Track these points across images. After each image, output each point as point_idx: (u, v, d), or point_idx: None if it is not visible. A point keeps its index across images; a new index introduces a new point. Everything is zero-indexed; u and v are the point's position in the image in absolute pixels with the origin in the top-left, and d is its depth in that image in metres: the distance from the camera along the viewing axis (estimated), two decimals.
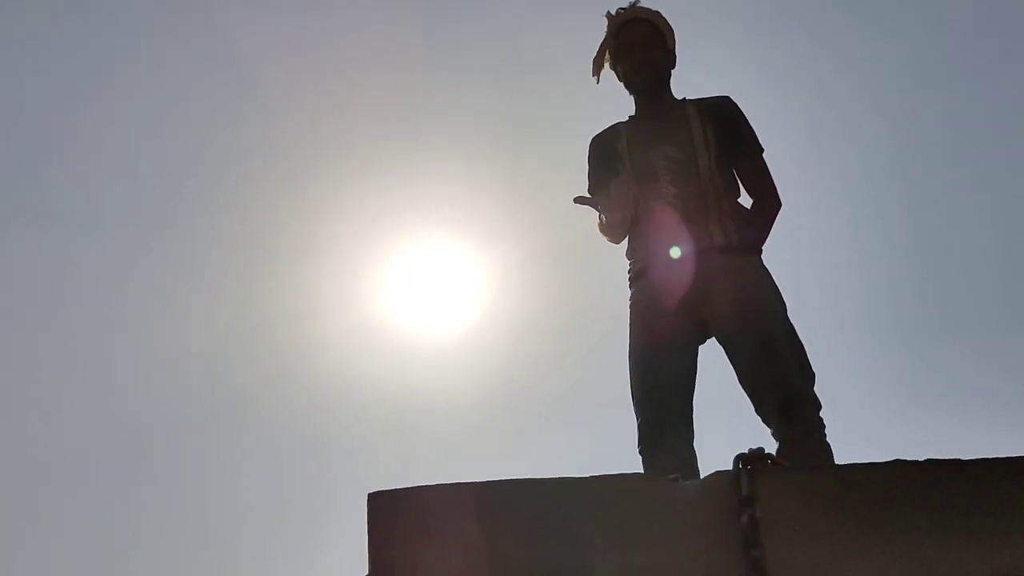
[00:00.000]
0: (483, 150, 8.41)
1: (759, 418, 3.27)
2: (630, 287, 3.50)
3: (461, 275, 8.29)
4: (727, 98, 3.62)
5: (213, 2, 8.45)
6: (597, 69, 3.74)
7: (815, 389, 3.27)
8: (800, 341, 3.31)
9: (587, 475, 1.82)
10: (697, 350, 3.36)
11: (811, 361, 3.33)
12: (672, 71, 3.68)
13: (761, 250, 3.47)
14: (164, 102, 8.98)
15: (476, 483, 1.74)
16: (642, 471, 3.19)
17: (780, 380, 3.20)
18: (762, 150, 3.58)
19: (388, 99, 8.60)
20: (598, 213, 3.54)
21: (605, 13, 3.77)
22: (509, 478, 1.75)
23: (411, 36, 8.53)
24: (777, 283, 3.41)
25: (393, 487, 1.81)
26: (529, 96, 8.35)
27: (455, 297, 8.25)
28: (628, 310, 3.47)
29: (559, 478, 1.78)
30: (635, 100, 3.68)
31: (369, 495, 1.76)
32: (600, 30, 3.77)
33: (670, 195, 3.43)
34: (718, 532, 1.75)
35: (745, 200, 3.58)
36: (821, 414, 3.23)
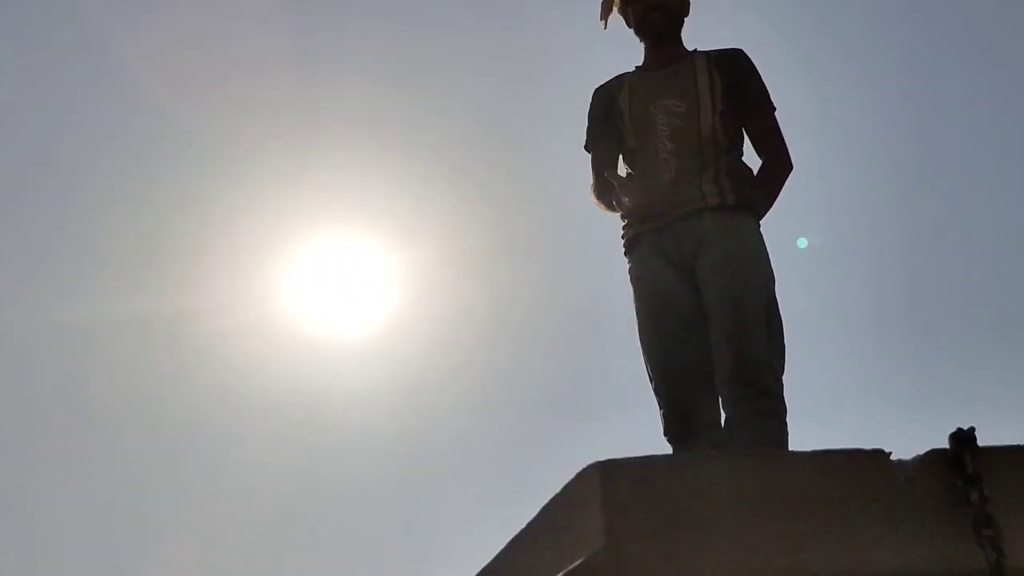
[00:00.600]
0: (393, 149, 8.29)
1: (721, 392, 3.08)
2: (626, 256, 3.37)
3: (369, 274, 8.14)
4: (740, 51, 3.45)
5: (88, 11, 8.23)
6: (606, 12, 3.55)
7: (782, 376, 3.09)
8: (779, 317, 3.17)
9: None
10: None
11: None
12: (686, 18, 3.52)
13: (760, 212, 3.32)
14: (51, 110, 8.67)
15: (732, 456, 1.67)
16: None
17: (741, 345, 3.04)
18: (773, 108, 3.42)
19: (295, 94, 8.41)
20: (593, 179, 3.44)
21: None
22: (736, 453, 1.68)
23: (306, 30, 8.37)
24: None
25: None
26: (443, 93, 8.27)
27: (362, 296, 8.09)
28: (629, 284, 3.33)
29: (783, 452, 1.72)
30: (644, 48, 3.51)
31: (602, 465, 1.66)
32: None
33: (665, 151, 3.28)
34: (944, 511, 1.72)
35: (754, 161, 3.44)
36: (783, 393, 3.05)
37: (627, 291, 3.34)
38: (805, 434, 2.96)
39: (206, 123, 8.26)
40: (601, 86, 3.56)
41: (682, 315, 3.18)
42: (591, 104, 3.56)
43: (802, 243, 3.18)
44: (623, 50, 3.61)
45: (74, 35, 8.47)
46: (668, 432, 3.16)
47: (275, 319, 8.11)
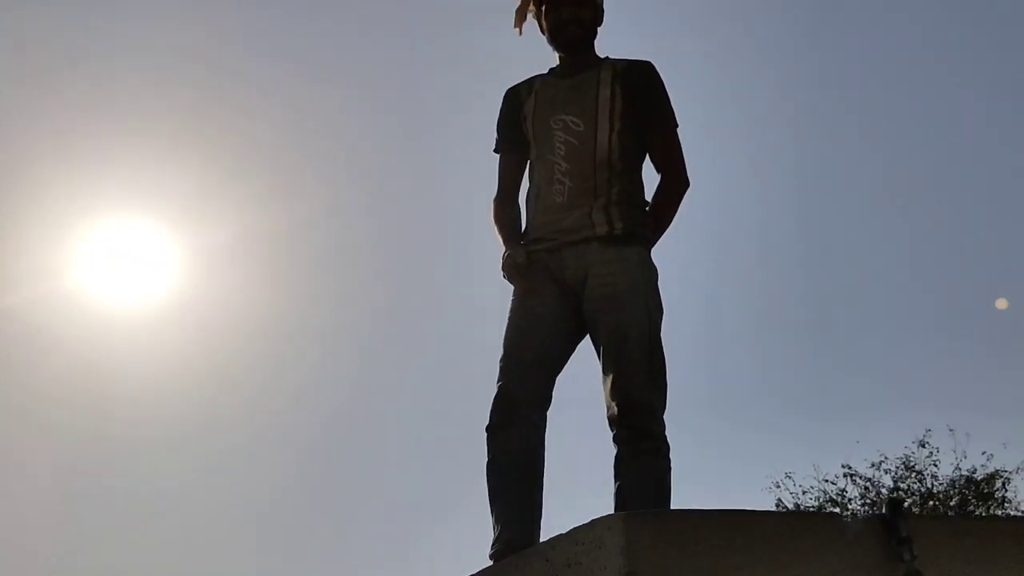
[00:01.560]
0: (187, 142, 8.23)
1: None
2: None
3: (155, 254, 8.06)
4: (647, 64, 3.43)
5: None
6: (519, 19, 3.53)
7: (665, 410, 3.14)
8: (662, 355, 3.23)
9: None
10: (574, 339, 3.28)
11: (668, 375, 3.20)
12: (599, 28, 3.50)
13: (650, 240, 3.34)
14: None
15: (728, 511, 1.97)
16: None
17: (624, 388, 3.11)
18: (675, 124, 3.41)
19: (90, 80, 8.26)
20: (497, 190, 3.49)
21: None
22: (754, 509, 2.00)
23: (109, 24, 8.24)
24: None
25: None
26: (234, 79, 8.28)
27: (149, 274, 8.01)
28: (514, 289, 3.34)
29: (759, 512, 2.05)
30: (557, 55, 3.50)
31: (627, 515, 1.93)
32: None
33: (559, 171, 3.31)
34: (882, 567, 2.10)
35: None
36: (665, 432, 3.12)
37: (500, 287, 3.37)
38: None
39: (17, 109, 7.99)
40: (512, 88, 3.55)
41: (548, 319, 3.26)
42: (501, 107, 3.57)
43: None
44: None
45: None
46: (493, 416, 3.20)
47: (64, 293, 7.92)
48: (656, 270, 3.32)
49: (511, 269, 3.26)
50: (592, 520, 2.05)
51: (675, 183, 3.40)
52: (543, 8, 3.46)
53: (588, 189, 3.26)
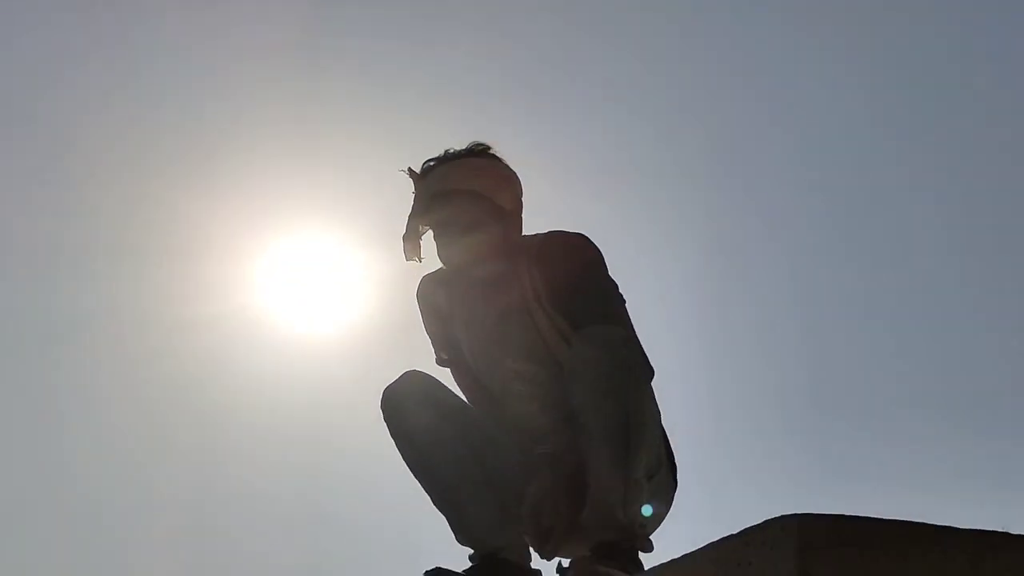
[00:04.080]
0: (373, 145, 8.42)
1: None
2: None
3: (342, 275, 8.25)
4: (573, 250, 2.81)
5: None
6: (412, 252, 2.86)
7: None
8: None
9: None
10: None
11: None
12: (518, 232, 2.86)
13: None
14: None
15: (908, 523, 1.93)
16: None
17: None
18: (612, 318, 2.72)
19: (272, 94, 8.52)
20: None
21: (405, 170, 2.86)
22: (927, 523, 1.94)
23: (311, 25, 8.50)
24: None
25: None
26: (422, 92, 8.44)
27: (334, 297, 8.21)
28: None
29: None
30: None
31: (802, 516, 1.91)
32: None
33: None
34: None
35: None
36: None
37: None
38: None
39: (200, 113, 8.34)
40: (425, 288, 3.04)
41: None
42: (421, 311, 3.06)
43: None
44: None
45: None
46: None
47: (248, 311, 8.18)
48: None
49: None
50: (765, 520, 2.03)
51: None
52: (435, 239, 2.88)
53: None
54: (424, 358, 2.97)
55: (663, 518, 2.84)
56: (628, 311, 2.79)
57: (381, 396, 2.84)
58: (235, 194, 8.42)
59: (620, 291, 2.82)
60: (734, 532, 2.08)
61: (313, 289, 8.13)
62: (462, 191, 2.78)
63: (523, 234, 2.88)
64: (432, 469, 2.80)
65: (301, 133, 8.52)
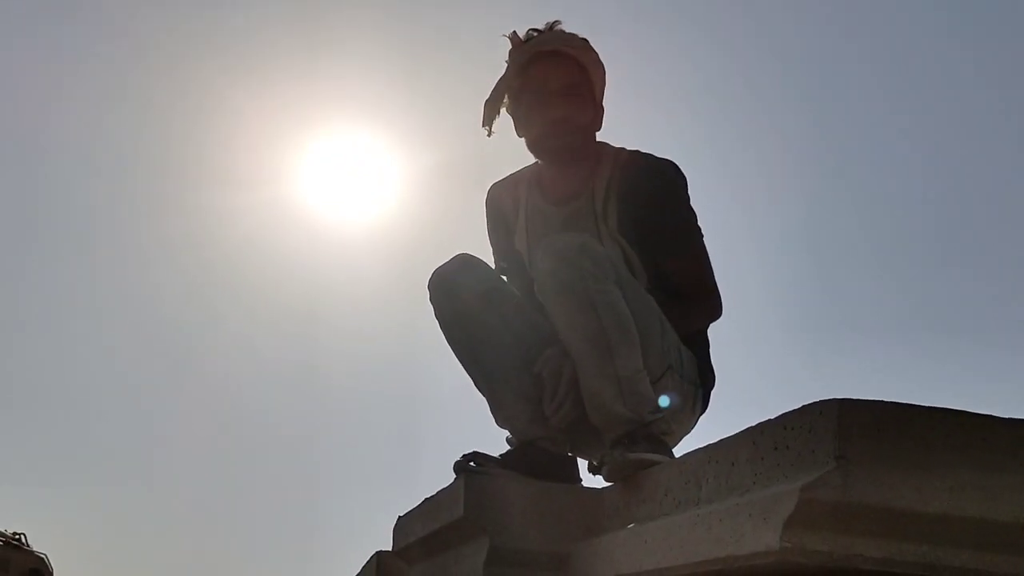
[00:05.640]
0: (413, 54, 8.41)
1: None
2: None
3: (377, 169, 8.28)
4: (656, 173, 2.76)
5: None
6: (489, 119, 2.81)
7: None
8: None
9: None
10: None
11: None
12: (597, 132, 2.83)
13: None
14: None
15: (947, 410, 1.94)
16: None
17: None
18: (694, 251, 2.80)
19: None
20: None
21: (509, 34, 2.77)
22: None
23: None
24: None
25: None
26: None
27: (369, 190, 8.24)
28: None
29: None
30: (540, 164, 2.88)
31: (841, 400, 1.92)
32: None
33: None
34: None
35: None
36: None
37: None
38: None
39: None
40: (493, 195, 3.01)
41: None
42: (487, 217, 3.04)
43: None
44: None
45: None
46: None
47: (283, 201, 8.24)
48: None
49: None
50: (804, 404, 2.05)
51: (699, 314, 2.84)
52: (523, 102, 2.80)
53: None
54: (450, 254, 2.95)
55: (682, 412, 2.85)
56: (705, 243, 2.82)
57: (430, 277, 2.84)
58: (284, 89, 8.46)
59: (698, 223, 2.83)
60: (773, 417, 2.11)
61: (348, 182, 8.17)
62: (568, 55, 2.72)
63: (607, 143, 2.85)
64: (477, 354, 2.82)
65: (348, 36, 8.52)
